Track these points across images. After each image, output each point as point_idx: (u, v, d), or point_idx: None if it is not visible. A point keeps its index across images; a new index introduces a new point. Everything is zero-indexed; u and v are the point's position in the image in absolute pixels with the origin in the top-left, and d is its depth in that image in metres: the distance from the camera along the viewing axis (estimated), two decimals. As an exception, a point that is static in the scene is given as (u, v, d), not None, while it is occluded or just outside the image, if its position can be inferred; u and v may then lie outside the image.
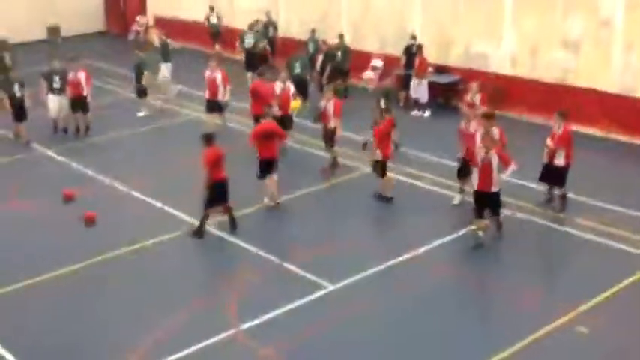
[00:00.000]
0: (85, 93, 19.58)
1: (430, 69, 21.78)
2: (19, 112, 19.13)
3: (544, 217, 14.39)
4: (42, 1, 31.25)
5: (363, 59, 23.18)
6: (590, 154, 16.80)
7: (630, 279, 12.15)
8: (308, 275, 12.45)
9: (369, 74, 23.16)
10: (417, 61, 21.32)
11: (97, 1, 33.75)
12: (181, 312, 11.42)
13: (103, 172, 17.02)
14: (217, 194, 13.60)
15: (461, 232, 13.82)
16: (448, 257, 13.21)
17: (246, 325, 11.09)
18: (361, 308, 11.52)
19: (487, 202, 13.14)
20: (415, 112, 21.30)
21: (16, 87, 19.02)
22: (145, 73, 21.17)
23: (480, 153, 12.96)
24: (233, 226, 13.92)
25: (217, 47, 27.91)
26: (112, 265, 13.00)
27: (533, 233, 13.86)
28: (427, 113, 21.28)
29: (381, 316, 11.34)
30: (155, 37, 25.19)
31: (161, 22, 30.90)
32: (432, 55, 21.91)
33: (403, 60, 21.83)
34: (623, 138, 18.73)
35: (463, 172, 14.63)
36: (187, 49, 28.81)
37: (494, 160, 12.81)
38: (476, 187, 13.15)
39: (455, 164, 15.25)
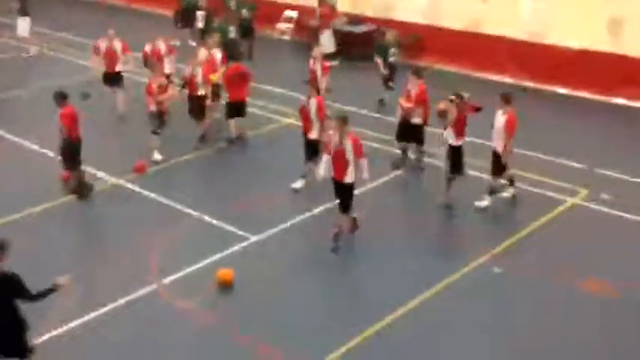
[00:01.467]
0: None
1: (344, 19, 21.79)
2: None
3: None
4: None
5: (275, 10, 22.98)
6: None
7: (545, 217, 12.63)
8: (230, 228, 12.46)
9: (283, 26, 23.00)
10: (318, 12, 21.32)
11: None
12: (103, 267, 11.27)
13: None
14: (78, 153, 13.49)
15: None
16: (384, 199, 13.35)
17: (167, 280, 11.05)
18: (279, 258, 11.65)
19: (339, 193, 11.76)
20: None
21: None
22: None
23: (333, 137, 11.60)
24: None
25: None
26: (22, 222, 12.70)
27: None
28: (334, 63, 21.07)
29: (297, 265, 11.50)
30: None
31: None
32: (347, 5, 21.92)
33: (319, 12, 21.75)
34: (532, 84, 19.25)
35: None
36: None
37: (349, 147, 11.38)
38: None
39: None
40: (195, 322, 10.16)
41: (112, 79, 17.17)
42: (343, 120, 11.38)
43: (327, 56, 21.04)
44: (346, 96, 17.88)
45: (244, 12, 21.29)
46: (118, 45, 17.05)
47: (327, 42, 21.12)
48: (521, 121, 12.83)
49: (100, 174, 14.43)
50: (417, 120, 14.13)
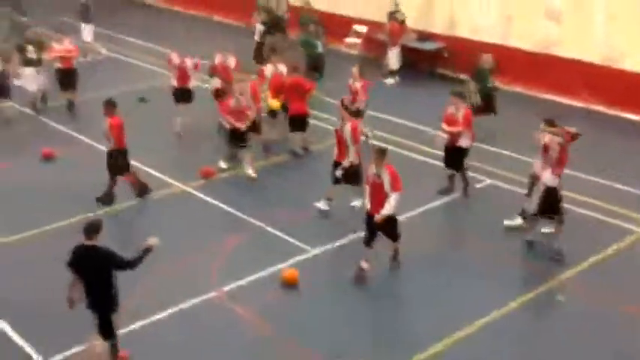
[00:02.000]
0: (74, 65, 18.25)
1: (413, 35, 21.71)
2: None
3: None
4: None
5: (341, 24, 23.02)
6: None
7: (610, 247, 12.31)
8: (291, 239, 12.49)
9: (352, 40, 23.02)
10: (388, 27, 21.19)
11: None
12: (164, 272, 11.39)
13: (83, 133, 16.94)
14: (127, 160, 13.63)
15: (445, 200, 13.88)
16: (434, 224, 13.26)
17: (227, 287, 11.14)
18: (337, 273, 11.61)
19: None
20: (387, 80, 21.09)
21: None
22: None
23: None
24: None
25: None
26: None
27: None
28: (392, 80, 20.99)
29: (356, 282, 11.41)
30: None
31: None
32: (414, 21, 21.82)
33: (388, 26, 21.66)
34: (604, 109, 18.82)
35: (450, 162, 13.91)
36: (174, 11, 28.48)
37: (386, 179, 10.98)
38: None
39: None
40: (253, 331, 10.21)
41: (183, 95, 16.77)
42: (381, 152, 10.96)
43: (391, 73, 21.07)
44: (409, 113, 17.92)
45: (312, 26, 21.31)
46: (190, 61, 16.75)
47: (393, 58, 21.07)
48: (589, 145, 12.55)
49: (166, 179, 14.66)
50: (464, 143, 13.64)
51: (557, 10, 19.50)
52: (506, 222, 12.81)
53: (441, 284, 11.31)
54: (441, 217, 13.61)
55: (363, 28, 22.98)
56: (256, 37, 21.67)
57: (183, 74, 16.61)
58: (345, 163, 12.80)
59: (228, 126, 14.74)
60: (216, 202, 13.83)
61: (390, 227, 11.17)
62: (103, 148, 13.95)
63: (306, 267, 11.73)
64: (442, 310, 10.66)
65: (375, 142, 15.28)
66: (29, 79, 17.99)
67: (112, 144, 13.30)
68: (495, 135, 16.31)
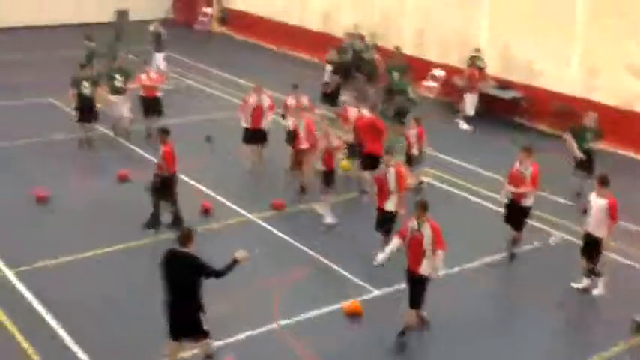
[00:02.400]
0: (158, 94, 18.44)
1: (492, 82, 21.58)
2: (88, 113, 17.71)
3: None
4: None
5: (423, 68, 23.05)
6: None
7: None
8: (353, 278, 12.44)
9: (429, 83, 23.02)
10: (467, 72, 21.11)
11: (165, -12, 34.19)
12: (226, 301, 11.43)
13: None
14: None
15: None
16: (495, 278, 12.99)
17: (285, 321, 11.14)
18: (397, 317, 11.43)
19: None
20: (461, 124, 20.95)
21: (85, 84, 17.55)
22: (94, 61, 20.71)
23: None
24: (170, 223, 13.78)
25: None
26: (163, 247, 13.12)
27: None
28: (466, 126, 20.82)
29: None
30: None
31: (231, 15, 31.38)
32: (494, 68, 21.71)
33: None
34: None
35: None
36: (251, 43, 29.04)
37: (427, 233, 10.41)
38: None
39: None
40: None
41: (255, 136, 16.57)
42: (423, 206, 10.37)
43: (466, 119, 20.91)
44: (481, 159, 17.80)
45: (396, 74, 20.76)
46: (266, 101, 16.51)
47: (469, 104, 20.96)
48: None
49: (234, 207, 14.83)
50: (528, 203, 13.00)
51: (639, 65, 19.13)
52: (573, 284, 12.42)
53: (512, 337, 11.08)
54: (502, 271, 13.28)
55: (441, 72, 22.97)
56: (326, 78, 21.28)
57: (258, 115, 16.36)
58: (389, 207, 12.55)
59: (321, 168, 14.46)
60: (282, 235, 13.88)
61: (419, 289, 10.48)
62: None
63: (367, 307, 11.65)
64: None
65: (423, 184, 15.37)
66: (115, 106, 18.40)
67: (164, 170, 13.45)
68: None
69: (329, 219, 14.20)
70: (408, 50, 23.55)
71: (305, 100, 16.81)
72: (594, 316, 12.00)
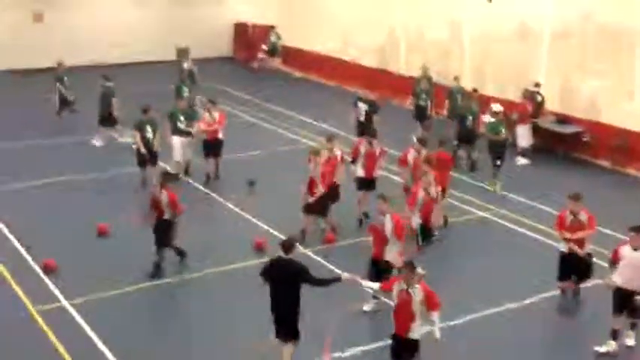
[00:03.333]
0: (220, 136, 18.17)
1: (552, 117, 21.33)
2: (149, 156, 17.55)
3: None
4: (175, 23, 32.55)
5: (481, 102, 22.89)
6: None
7: None
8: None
9: (489, 118, 22.81)
10: (519, 106, 20.82)
11: (227, 28, 34.88)
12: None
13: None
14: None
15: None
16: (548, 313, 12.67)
17: (337, 355, 11.03)
18: (460, 351, 11.26)
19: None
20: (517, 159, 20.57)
21: (148, 128, 17.47)
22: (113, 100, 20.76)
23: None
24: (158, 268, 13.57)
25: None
26: (216, 280, 13.44)
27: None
28: (524, 160, 20.48)
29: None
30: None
31: (290, 53, 31.81)
32: (554, 103, 21.45)
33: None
34: None
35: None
36: (312, 80, 29.39)
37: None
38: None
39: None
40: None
41: (369, 184, 15.79)
42: (411, 267, 9.62)
43: (521, 153, 20.57)
44: (539, 194, 17.55)
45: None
46: (378, 148, 15.79)
47: (521, 137, 20.70)
48: None
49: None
50: (588, 250, 12.35)
51: None
52: (595, 348, 11.42)
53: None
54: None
55: (499, 108, 22.74)
56: (360, 118, 20.26)
57: (371, 162, 15.68)
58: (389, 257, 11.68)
59: (417, 223, 13.81)
60: (332, 267, 13.77)
61: (410, 355, 9.73)
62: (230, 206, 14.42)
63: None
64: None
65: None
66: (176, 148, 18.22)
67: (170, 216, 13.36)
68: None
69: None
70: (465, 85, 23.44)
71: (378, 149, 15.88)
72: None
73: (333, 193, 15.11)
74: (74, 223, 15.58)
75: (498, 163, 18.25)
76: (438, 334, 9.65)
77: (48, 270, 13.46)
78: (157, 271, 13.47)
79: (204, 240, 14.79)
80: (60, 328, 11.67)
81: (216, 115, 18.14)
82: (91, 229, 15.05)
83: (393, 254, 11.71)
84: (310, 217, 14.96)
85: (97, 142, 20.95)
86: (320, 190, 14.65)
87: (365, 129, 19.15)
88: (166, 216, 13.35)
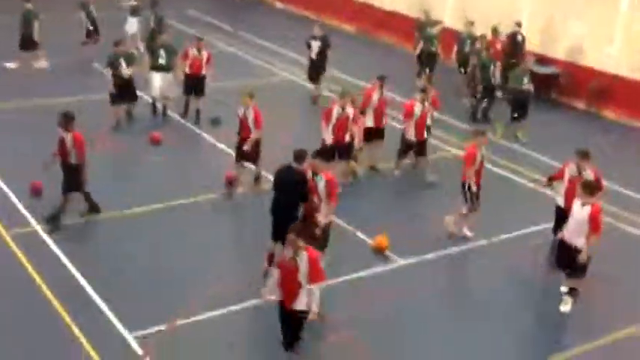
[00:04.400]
0: (204, 72, 17.33)
1: (531, 58, 21.25)
2: (124, 91, 16.63)
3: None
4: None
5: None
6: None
7: None
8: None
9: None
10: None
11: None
12: (246, 267, 11.62)
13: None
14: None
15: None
16: (520, 251, 12.82)
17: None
18: (425, 286, 11.53)
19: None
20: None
21: (123, 63, 16.46)
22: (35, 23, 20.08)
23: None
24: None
25: None
26: (197, 208, 13.47)
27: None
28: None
29: (439, 298, 11.34)
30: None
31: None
32: (536, 44, 21.40)
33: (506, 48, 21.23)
34: None
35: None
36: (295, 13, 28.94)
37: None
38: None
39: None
40: (333, 336, 10.21)
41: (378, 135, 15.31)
42: (299, 231, 8.72)
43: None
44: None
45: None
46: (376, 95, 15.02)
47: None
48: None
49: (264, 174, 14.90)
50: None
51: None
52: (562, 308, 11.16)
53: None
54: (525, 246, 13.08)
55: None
56: (312, 55, 19.53)
57: (379, 113, 15.18)
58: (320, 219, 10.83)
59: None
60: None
61: (295, 327, 9.14)
62: (202, 133, 14.29)
63: (391, 277, 11.75)
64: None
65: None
66: (154, 84, 17.48)
67: (74, 159, 12.31)
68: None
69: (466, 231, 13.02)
70: (449, 24, 23.29)
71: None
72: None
73: (340, 149, 14.28)
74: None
75: (516, 115, 17.65)
76: (315, 308, 8.84)
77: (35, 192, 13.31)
78: (53, 221, 12.44)
79: (177, 171, 14.78)
80: (32, 252, 11.69)
81: (204, 53, 17.35)
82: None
83: (323, 214, 10.85)
84: (241, 164, 14.01)
85: (11, 65, 20.36)
86: (254, 136, 13.54)
87: (317, 66, 19.14)
88: (72, 159, 12.29)
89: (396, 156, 15.25)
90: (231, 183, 14.11)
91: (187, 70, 17.28)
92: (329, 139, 14.07)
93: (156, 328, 9.95)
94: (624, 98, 19.67)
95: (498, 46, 20.53)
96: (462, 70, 20.36)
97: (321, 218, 10.82)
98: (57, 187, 12.53)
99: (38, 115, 16.93)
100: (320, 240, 10.66)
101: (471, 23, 20.78)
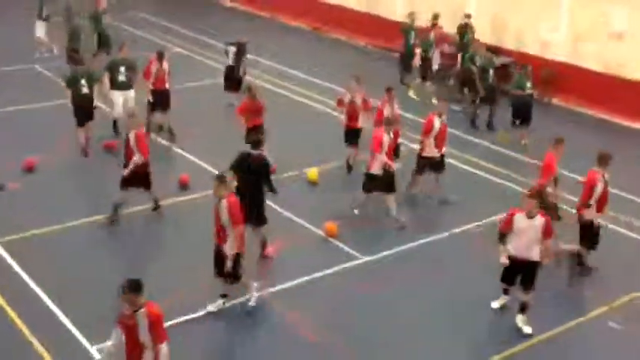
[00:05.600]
0: (168, 86, 16.57)
1: (482, 48, 21.49)
2: (85, 113, 15.51)
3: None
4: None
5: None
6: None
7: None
8: (341, 245, 12.49)
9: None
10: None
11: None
12: (212, 270, 11.50)
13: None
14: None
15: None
16: (479, 241, 12.86)
17: (275, 289, 11.19)
18: (390, 282, 11.55)
19: None
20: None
21: (83, 81, 15.44)
22: None
23: None
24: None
25: None
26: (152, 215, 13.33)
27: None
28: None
29: (404, 292, 11.35)
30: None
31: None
32: (485, 35, 21.62)
33: (456, 40, 21.47)
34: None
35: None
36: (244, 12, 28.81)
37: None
38: None
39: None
40: (300, 335, 10.20)
41: (354, 135, 15.19)
42: (133, 287, 7.61)
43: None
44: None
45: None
46: (359, 99, 15.03)
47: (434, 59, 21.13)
48: None
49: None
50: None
51: (621, 32, 19.22)
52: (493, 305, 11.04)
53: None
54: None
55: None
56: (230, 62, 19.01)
57: (352, 114, 15.09)
58: None
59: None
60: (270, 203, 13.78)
61: None
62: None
63: (356, 274, 11.77)
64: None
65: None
66: (117, 104, 16.40)
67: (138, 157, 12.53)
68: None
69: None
70: (398, 17, 23.40)
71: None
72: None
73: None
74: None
75: (518, 121, 17.20)
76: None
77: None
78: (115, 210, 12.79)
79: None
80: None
81: (165, 65, 16.53)
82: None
83: (229, 245, 10.11)
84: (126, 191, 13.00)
85: None
86: (136, 160, 12.64)
87: (233, 72, 18.86)
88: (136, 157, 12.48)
89: (411, 175, 14.26)
90: (184, 186, 14.22)
91: (151, 85, 16.39)
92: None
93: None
94: (573, 86, 20.00)
95: (439, 33, 20.92)
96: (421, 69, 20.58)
97: (228, 249, 10.07)
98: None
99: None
100: (231, 276, 10.15)
101: (412, 14, 21.20)
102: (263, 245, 11.87)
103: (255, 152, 11.41)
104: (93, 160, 15.48)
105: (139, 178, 12.80)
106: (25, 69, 21.03)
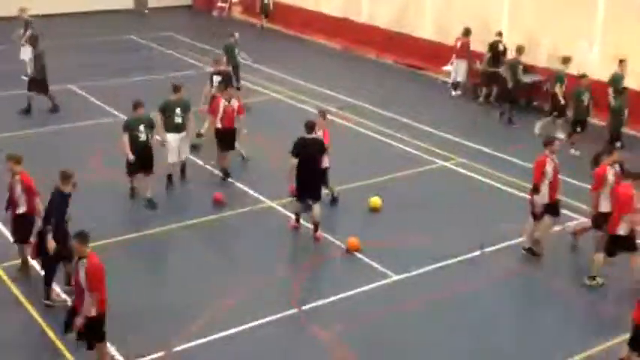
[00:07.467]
0: (237, 125, 15.43)
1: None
2: (144, 161, 14.02)
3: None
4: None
5: (445, 53, 22.92)
6: None
7: None
8: (374, 264, 12.44)
9: (449, 68, 22.86)
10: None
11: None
12: (246, 287, 11.56)
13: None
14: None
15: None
16: (513, 260, 12.84)
17: (307, 307, 11.19)
18: (421, 301, 11.49)
19: None
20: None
21: (142, 127, 13.93)
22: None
23: None
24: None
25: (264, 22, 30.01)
26: (185, 233, 13.37)
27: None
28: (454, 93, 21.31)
29: (438, 311, 11.29)
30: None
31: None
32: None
33: (487, 56, 21.42)
34: None
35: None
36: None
37: None
38: None
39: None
40: (331, 354, 10.17)
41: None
42: (82, 238, 8.82)
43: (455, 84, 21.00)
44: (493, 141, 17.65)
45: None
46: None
47: (459, 70, 21.93)
48: None
49: (257, 195, 14.83)
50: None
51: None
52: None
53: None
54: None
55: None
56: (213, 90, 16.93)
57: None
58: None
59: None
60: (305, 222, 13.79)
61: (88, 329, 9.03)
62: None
63: (387, 292, 11.72)
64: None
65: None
66: (171, 148, 14.93)
67: (25, 208, 11.12)
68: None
69: None
70: (428, 36, 23.40)
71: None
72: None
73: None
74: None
75: (578, 129, 17.63)
76: (78, 323, 8.88)
77: None
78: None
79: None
80: None
81: (235, 102, 15.44)
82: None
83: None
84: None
85: None
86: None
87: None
88: (21, 209, 11.10)
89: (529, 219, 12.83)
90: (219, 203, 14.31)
91: (219, 124, 15.32)
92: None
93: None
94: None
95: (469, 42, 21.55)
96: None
97: (84, 310, 8.95)
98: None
99: None
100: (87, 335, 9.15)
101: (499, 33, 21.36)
102: (315, 226, 12.99)
103: (311, 136, 12.85)
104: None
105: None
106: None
